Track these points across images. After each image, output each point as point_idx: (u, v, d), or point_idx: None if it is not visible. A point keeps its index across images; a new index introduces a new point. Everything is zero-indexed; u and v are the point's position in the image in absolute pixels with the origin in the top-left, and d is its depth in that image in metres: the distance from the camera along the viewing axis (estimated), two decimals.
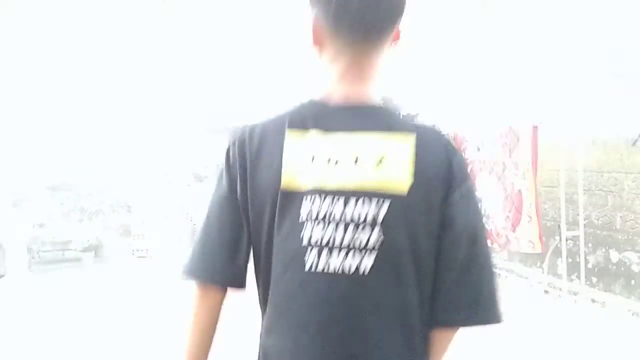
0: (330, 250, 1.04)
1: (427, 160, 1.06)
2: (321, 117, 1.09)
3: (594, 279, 5.91)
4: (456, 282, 1.08)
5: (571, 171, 5.91)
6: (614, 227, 5.66)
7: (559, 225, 5.84)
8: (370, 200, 1.04)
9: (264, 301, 1.15)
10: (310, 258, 1.05)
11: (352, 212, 1.04)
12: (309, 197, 1.05)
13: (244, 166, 1.10)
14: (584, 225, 5.61)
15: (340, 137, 1.07)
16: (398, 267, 1.05)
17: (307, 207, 1.05)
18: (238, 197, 1.12)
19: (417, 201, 1.05)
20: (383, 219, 1.04)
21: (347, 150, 1.06)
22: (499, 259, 7.66)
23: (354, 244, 1.04)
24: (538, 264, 6.82)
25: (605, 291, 5.75)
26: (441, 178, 1.07)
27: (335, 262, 1.04)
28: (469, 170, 1.16)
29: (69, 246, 8.85)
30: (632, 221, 5.43)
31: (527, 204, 5.54)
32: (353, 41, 1.10)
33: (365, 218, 1.04)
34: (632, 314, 5.12)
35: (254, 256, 1.16)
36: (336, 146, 1.06)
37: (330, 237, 1.05)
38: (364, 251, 1.04)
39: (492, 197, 6.09)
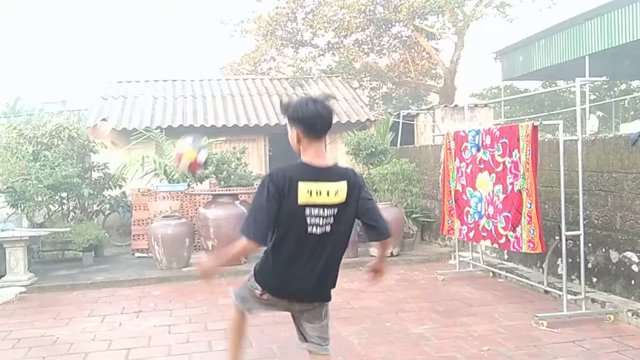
0: (317, 227, 2.79)
1: (351, 187, 2.83)
2: (311, 174, 2.77)
3: (594, 279, 5.92)
4: (372, 224, 2.92)
5: (571, 171, 5.91)
6: (614, 227, 5.67)
7: (559, 225, 5.85)
8: (331, 208, 2.80)
9: (277, 246, 2.84)
10: (309, 229, 2.78)
11: (325, 212, 2.79)
12: (310, 206, 2.77)
13: (279, 192, 2.73)
14: (584, 225, 5.61)
15: (321, 184, 2.77)
16: (338, 232, 2.85)
17: (309, 210, 2.77)
18: (275, 202, 2.74)
19: (348, 205, 2.83)
20: (335, 214, 2.82)
21: (324, 189, 2.77)
22: (499, 259, 7.67)
23: (325, 223, 2.80)
24: (538, 264, 6.83)
25: (606, 291, 5.75)
26: (357, 190, 2.86)
27: (318, 230, 2.79)
28: (365, 180, 3.35)
29: (69, 246, 8.86)
30: (632, 221, 5.44)
31: (527, 204, 5.55)
32: (315, 141, 2.81)
33: (330, 214, 2.81)
34: (632, 314, 5.12)
35: (279, 227, 2.80)
36: (320, 187, 2.76)
37: (317, 222, 2.79)
38: (329, 226, 2.81)
39: (491, 197, 6.10)
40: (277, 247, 2.81)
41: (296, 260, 2.81)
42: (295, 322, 3.09)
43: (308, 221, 2.76)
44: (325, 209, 2.78)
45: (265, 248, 2.88)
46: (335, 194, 2.78)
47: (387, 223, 2.95)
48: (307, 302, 2.96)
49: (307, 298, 2.94)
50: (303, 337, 3.07)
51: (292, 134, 2.81)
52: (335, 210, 2.80)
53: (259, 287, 2.95)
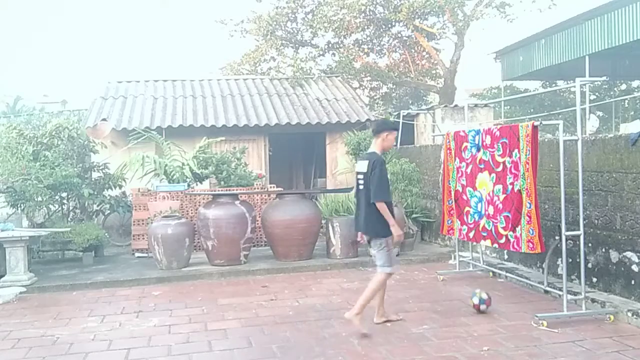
0: (360, 185, 5.35)
1: (370, 164, 5.21)
2: (361, 156, 6.20)
3: (594, 279, 5.92)
4: (372, 190, 5.16)
5: (571, 171, 5.91)
6: (614, 227, 5.67)
7: (559, 225, 5.85)
8: (362, 174, 5.29)
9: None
10: (358, 187, 5.41)
11: (361, 177, 5.32)
12: (357, 174, 5.43)
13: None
14: (584, 225, 5.61)
15: (362, 161, 5.44)
16: (366, 188, 5.23)
17: (358, 176, 5.40)
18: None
19: (368, 173, 5.20)
20: (363, 178, 5.27)
21: (362, 163, 5.38)
22: (499, 259, 7.67)
23: (361, 184, 5.31)
24: (538, 264, 6.83)
25: (606, 291, 5.75)
26: (371, 167, 5.19)
27: (360, 187, 5.34)
28: (379, 162, 5.22)
29: (69, 246, 8.86)
30: (632, 221, 5.44)
31: (527, 203, 5.54)
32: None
33: (362, 178, 5.30)
34: (632, 314, 5.12)
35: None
36: (361, 162, 5.43)
37: (360, 182, 5.35)
38: (362, 185, 5.29)
39: (491, 197, 6.09)
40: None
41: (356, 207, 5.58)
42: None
43: (359, 182, 5.31)
44: (360, 175, 5.27)
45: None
46: (365, 166, 5.19)
47: (376, 190, 5.09)
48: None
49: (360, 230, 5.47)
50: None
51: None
52: (364, 176, 5.19)
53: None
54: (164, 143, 10.06)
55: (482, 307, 5.60)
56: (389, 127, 5.45)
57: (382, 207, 5.08)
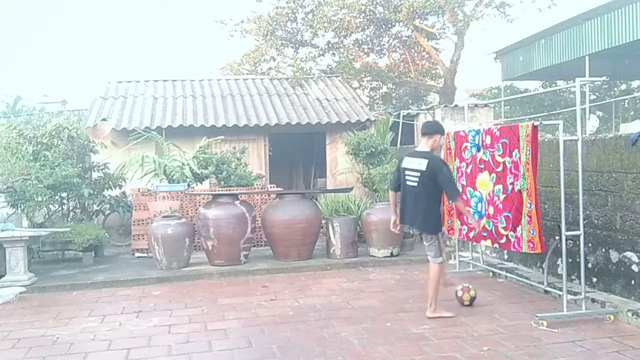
0: (410, 181, 5.54)
1: (430, 163, 5.40)
2: (411, 153, 5.72)
3: (594, 279, 5.92)
4: (447, 192, 5.52)
5: (571, 171, 5.91)
6: (614, 227, 5.67)
7: (559, 225, 5.85)
8: (418, 172, 5.44)
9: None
10: (407, 182, 5.59)
11: (415, 174, 5.48)
12: (406, 170, 5.59)
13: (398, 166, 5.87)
14: (584, 225, 5.61)
15: (414, 158, 5.57)
16: (421, 185, 5.45)
17: (407, 172, 5.57)
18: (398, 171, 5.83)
19: (426, 172, 5.39)
20: (419, 176, 5.43)
21: (416, 160, 5.52)
22: (499, 259, 7.67)
23: (414, 181, 5.49)
24: (538, 264, 6.83)
25: (606, 291, 5.75)
26: (431, 168, 5.38)
27: (411, 184, 5.52)
28: (442, 163, 5.63)
29: (69, 246, 8.86)
30: (632, 221, 5.44)
31: (527, 203, 5.54)
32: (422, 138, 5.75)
33: (417, 175, 5.46)
34: (632, 314, 5.12)
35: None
36: (414, 159, 5.56)
37: (410, 178, 5.54)
38: (416, 182, 5.47)
39: (492, 197, 6.10)
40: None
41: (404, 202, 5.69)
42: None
43: (407, 178, 5.54)
44: (414, 172, 5.46)
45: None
46: (420, 164, 5.41)
47: (452, 191, 5.49)
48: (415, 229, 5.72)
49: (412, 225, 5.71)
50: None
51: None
52: (420, 174, 5.40)
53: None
54: (164, 143, 10.06)
55: (464, 285, 6.01)
56: (442, 131, 5.77)
57: (461, 205, 5.69)
